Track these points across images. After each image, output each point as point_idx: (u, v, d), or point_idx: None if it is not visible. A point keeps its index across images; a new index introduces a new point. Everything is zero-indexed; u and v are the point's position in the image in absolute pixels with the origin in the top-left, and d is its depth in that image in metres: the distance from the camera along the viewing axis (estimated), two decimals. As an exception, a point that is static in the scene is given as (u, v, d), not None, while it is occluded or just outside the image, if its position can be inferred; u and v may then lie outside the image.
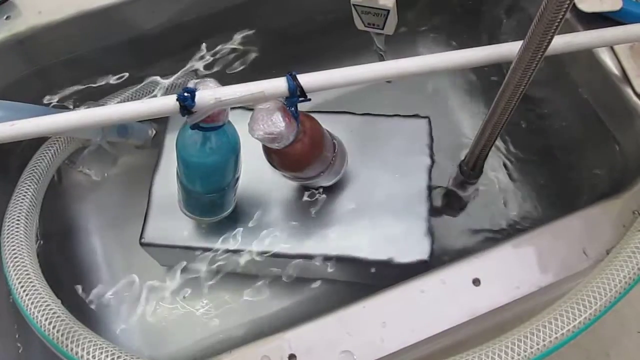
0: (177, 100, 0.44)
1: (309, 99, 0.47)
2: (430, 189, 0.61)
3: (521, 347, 0.42)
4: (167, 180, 0.63)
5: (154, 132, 0.70)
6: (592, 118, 0.60)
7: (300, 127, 0.50)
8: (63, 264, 0.68)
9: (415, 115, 0.66)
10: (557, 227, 0.49)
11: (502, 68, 0.68)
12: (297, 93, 0.46)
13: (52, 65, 0.63)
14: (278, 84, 0.46)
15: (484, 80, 0.77)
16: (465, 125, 0.75)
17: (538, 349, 0.42)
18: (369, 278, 0.64)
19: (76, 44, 0.63)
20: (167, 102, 0.45)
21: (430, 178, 0.62)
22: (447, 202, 0.63)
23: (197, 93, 0.45)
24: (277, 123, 0.47)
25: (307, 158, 0.53)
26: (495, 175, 0.69)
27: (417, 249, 0.59)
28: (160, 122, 0.67)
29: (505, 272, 0.46)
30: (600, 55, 0.57)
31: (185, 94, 0.43)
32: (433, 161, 0.63)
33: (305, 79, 0.46)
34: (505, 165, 0.70)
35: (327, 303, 0.66)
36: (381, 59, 0.59)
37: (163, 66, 0.66)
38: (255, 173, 0.61)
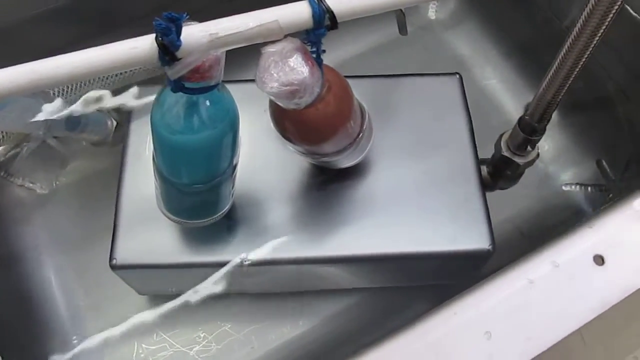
0: (155, 38, 0.30)
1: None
2: (478, 158, 0.49)
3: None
4: (138, 180, 0.49)
5: (115, 123, 0.55)
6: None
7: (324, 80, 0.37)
8: (8, 303, 0.52)
9: (444, 73, 0.53)
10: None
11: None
12: (324, 22, 0.32)
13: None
14: (298, 10, 0.32)
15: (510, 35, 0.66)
16: (495, 85, 0.63)
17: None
18: (415, 279, 0.51)
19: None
20: (139, 45, 0.30)
21: (475, 145, 0.49)
22: (499, 172, 0.50)
23: (183, 29, 0.30)
24: (298, 68, 0.34)
25: (333, 124, 0.40)
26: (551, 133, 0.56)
27: (474, 236, 0.46)
28: (123, 111, 0.53)
29: (636, 244, 0.33)
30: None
31: (167, 25, 0.29)
32: (472, 125, 0.51)
33: (335, 1, 0.32)
34: (560, 120, 0.58)
35: (365, 319, 0.52)
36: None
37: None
38: (256, 157, 0.48)
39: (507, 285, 0.33)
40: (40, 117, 0.44)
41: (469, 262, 0.47)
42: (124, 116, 0.53)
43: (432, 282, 0.51)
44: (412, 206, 0.47)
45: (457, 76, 0.53)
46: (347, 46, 0.64)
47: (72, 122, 0.50)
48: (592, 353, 0.49)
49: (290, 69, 0.33)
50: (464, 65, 0.65)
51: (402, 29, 0.51)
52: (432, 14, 0.67)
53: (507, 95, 0.62)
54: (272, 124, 0.41)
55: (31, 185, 0.55)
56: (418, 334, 0.32)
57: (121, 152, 0.49)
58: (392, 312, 0.51)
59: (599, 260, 0.33)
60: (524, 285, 0.33)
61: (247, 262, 0.46)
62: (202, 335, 0.53)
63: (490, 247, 0.45)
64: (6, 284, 0.54)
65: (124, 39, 0.34)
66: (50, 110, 0.42)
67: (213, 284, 0.48)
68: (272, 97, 0.35)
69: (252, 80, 0.50)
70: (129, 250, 0.46)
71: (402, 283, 0.52)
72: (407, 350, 0.31)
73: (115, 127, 0.55)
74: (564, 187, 0.56)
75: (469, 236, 0.46)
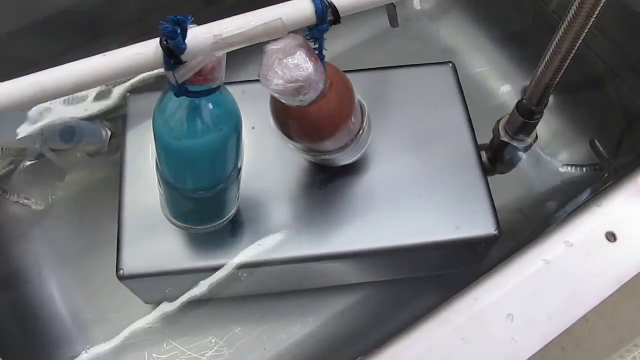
0: (160, 42, 0.29)
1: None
2: (477, 145, 0.49)
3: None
4: (138, 189, 0.48)
5: (110, 133, 0.54)
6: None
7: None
8: (15, 323, 0.51)
9: (437, 62, 0.53)
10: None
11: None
12: (327, 16, 0.32)
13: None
14: (300, 6, 0.32)
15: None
16: (485, 71, 0.63)
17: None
18: (423, 269, 0.51)
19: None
20: (143, 50, 0.30)
21: (473, 132, 0.50)
22: (498, 157, 0.50)
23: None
24: (302, 64, 0.33)
25: (335, 121, 0.40)
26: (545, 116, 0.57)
27: (479, 222, 0.46)
28: (116, 120, 0.52)
29: (646, 219, 0.34)
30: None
31: (173, 28, 0.29)
32: (469, 112, 0.51)
33: (337, -6, 0.32)
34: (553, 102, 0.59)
35: (375, 312, 0.52)
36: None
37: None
38: (256, 158, 0.47)
39: (524, 268, 0.33)
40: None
41: (475, 249, 0.47)
42: (117, 125, 0.53)
43: (441, 271, 0.51)
44: (416, 197, 0.47)
45: (450, 64, 0.53)
46: (335, 42, 0.64)
47: (67, 134, 0.49)
48: (594, 330, 0.50)
49: (294, 65, 0.33)
50: (452, 54, 0.65)
51: (393, 21, 0.52)
52: (417, 4, 0.67)
53: (498, 81, 0.63)
54: (272, 122, 0.41)
55: (26, 201, 0.54)
56: (441, 321, 0.32)
57: (119, 161, 0.48)
58: (401, 304, 0.51)
59: (611, 237, 0.34)
60: (541, 267, 0.33)
61: (243, 278, 0.46)
62: (213, 340, 0.52)
63: (496, 232, 0.46)
64: (9, 301, 0.53)
65: (114, 47, 0.34)
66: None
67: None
68: (277, 95, 0.34)
69: (250, 81, 0.51)
70: (135, 259, 0.45)
71: (409, 274, 0.52)
72: (432, 336, 0.31)
73: (110, 137, 0.54)
74: (560, 169, 0.57)
75: (475, 223, 0.46)
